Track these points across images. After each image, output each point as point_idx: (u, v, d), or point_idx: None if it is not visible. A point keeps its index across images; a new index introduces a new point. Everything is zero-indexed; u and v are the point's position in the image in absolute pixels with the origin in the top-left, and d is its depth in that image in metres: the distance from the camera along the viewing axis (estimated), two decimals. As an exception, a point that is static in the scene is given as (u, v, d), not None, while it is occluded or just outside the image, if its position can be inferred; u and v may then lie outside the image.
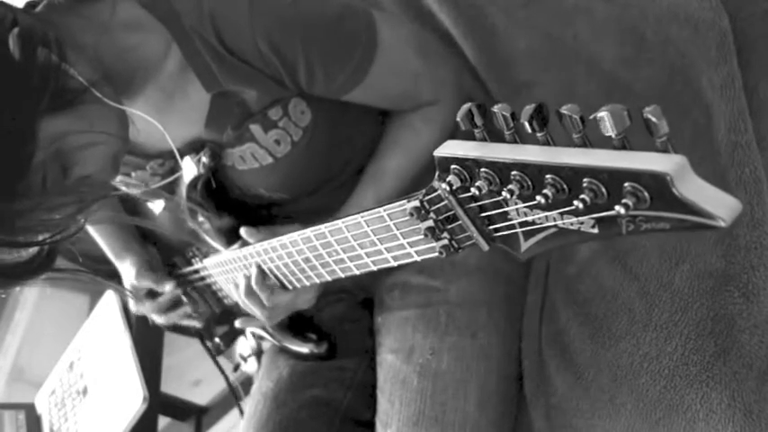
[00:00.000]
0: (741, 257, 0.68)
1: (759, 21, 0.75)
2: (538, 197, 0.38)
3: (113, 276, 0.95)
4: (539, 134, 0.38)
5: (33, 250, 0.57)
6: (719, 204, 0.33)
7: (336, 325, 0.94)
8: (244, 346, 1.04)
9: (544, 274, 0.86)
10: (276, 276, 0.74)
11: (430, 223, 0.50)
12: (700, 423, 0.66)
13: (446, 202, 0.47)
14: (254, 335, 1.00)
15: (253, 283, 0.74)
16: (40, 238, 0.54)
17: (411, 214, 0.51)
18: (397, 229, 0.54)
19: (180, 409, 1.52)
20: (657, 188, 0.33)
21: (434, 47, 0.83)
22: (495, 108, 0.39)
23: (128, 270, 0.93)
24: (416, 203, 0.50)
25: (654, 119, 0.33)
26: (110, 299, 1.26)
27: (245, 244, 0.75)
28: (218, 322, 1.01)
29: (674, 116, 0.75)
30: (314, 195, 0.81)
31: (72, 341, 1.33)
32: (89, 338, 1.28)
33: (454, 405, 0.76)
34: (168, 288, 0.92)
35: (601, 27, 0.81)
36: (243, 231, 0.75)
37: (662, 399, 0.69)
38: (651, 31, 0.78)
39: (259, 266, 0.74)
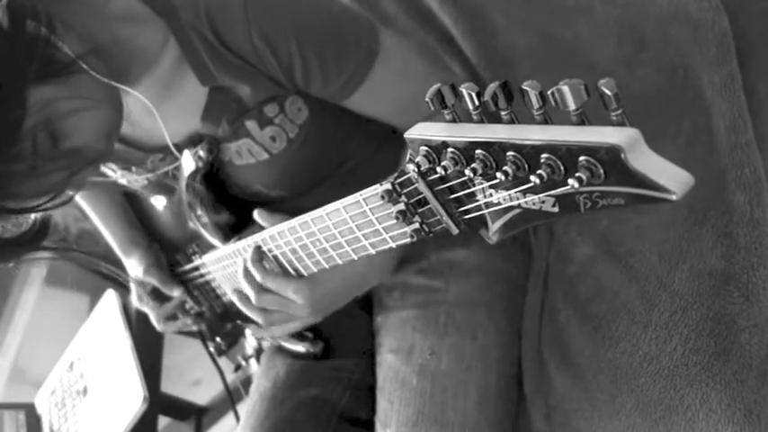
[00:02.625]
0: (741, 257, 0.68)
1: (759, 21, 0.75)
2: (498, 174, 0.39)
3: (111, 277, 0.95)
4: (503, 112, 0.38)
5: (26, 224, 0.58)
6: (671, 177, 0.33)
7: (334, 325, 0.94)
8: (245, 346, 1.04)
9: (544, 274, 0.86)
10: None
11: (401, 207, 0.51)
12: (700, 423, 0.66)
13: (416, 184, 0.48)
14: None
15: (249, 263, 0.73)
16: (32, 204, 0.54)
17: (383, 197, 0.52)
18: (372, 214, 0.55)
19: (180, 409, 1.52)
20: (611, 162, 0.34)
21: (439, 58, 0.83)
22: (462, 87, 0.39)
23: (135, 266, 0.94)
24: (388, 186, 0.51)
25: (607, 91, 0.33)
26: (110, 299, 1.26)
27: (242, 239, 0.75)
28: (220, 321, 1.01)
29: (674, 116, 0.76)
30: (312, 194, 0.81)
31: (72, 341, 1.33)
32: (89, 338, 1.28)
33: (454, 405, 0.76)
34: (176, 293, 0.92)
35: (601, 27, 0.81)
36: (256, 214, 0.73)
37: (662, 399, 0.69)
38: (651, 31, 0.78)
39: (258, 247, 0.72)
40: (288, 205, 0.82)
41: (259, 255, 0.72)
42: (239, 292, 0.76)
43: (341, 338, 0.92)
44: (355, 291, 0.77)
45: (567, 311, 0.80)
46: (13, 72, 0.53)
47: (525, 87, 0.36)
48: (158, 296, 0.96)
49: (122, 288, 1.17)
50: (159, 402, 1.18)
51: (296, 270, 0.71)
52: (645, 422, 0.70)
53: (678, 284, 0.71)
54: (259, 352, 1.01)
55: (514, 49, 0.86)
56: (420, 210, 0.50)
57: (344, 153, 0.81)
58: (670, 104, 0.76)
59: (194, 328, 1.00)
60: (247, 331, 1.01)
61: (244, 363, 1.05)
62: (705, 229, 0.71)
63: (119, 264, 0.98)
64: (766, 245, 0.68)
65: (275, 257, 0.72)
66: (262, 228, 0.73)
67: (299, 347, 0.90)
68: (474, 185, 0.43)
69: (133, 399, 1.09)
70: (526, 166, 0.38)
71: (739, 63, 0.73)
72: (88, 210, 0.98)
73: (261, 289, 0.73)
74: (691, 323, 0.69)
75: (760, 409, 0.64)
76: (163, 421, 1.42)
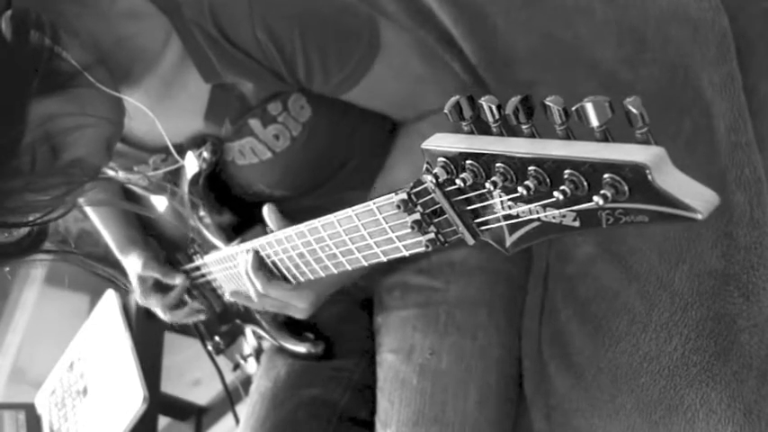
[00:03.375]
0: (741, 257, 0.68)
1: (759, 21, 0.75)
2: (520, 189, 0.38)
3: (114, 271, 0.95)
4: (524, 126, 0.38)
5: (23, 230, 0.57)
6: (697, 197, 0.33)
7: (334, 325, 0.94)
8: (244, 345, 1.04)
9: (544, 274, 0.86)
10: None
11: (417, 216, 0.51)
12: (700, 423, 0.66)
13: (433, 195, 0.48)
14: (254, 333, 1.00)
15: (249, 268, 0.74)
16: (30, 218, 0.54)
17: (398, 207, 0.51)
18: (386, 223, 0.54)
19: (180, 409, 1.52)
20: (636, 180, 0.33)
21: (436, 53, 0.83)
22: (482, 100, 0.39)
23: (133, 263, 0.94)
24: (404, 196, 0.50)
25: (633, 110, 0.33)
26: (110, 299, 1.26)
27: (244, 240, 0.75)
28: (219, 321, 1.01)
29: (674, 116, 0.76)
30: (314, 194, 0.81)
31: (72, 341, 1.33)
32: (89, 338, 1.28)
33: (454, 405, 0.76)
34: (178, 281, 0.92)
35: (601, 27, 0.81)
36: (266, 209, 0.72)
37: (662, 399, 0.69)
38: (651, 31, 0.78)
39: (256, 252, 0.73)
40: (290, 205, 0.82)
41: (258, 262, 0.73)
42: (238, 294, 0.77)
43: (341, 338, 0.92)
44: (341, 284, 0.79)
45: (567, 311, 0.80)
46: (14, 86, 0.52)
47: (548, 103, 0.36)
48: (161, 288, 0.96)
49: (121, 289, 1.17)
50: (159, 402, 1.18)
51: (294, 277, 0.72)
52: (645, 422, 0.70)
53: (678, 284, 0.71)
54: (258, 351, 1.01)
55: (515, 50, 0.86)
56: (436, 220, 0.50)
57: (347, 152, 0.81)
58: (670, 104, 0.76)
59: (201, 317, 0.99)
60: (247, 330, 1.01)
61: (242, 362, 1.05)
62: (705, 228, 0.71)
63: (119, 265, 0.98)
64: (766, 245, 0.68)
65: (274, 263, 0.72)
66: (264, 230, 0.73)
67: (300, 348, 0.90)
68: (492, 198, 0.43)
69: (133, 399, 1.09)
70: (548, 180, 0.37)
71: (739, 63, 0.73)
72: (87, 207, 0.98)
73: (262, 294, 0.74)
74: (691, 323, 0.69)
75: (760, 409, 0.64)
76: (163, 421, 1.42)
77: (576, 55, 0.82)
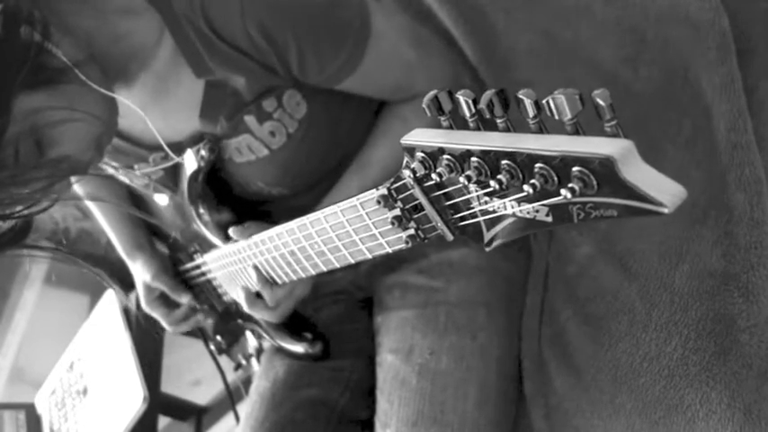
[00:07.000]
0: (741, 257, 0.68)
1: (759, 21, 0.75)
2: (492, 183, 0.39)
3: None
4: (499, 120, 0.38)
5: (6, 223, 0.58)
6: (664, 190, 0.33)
7: (334, 325, 0.94)
8: (246, 345, 1.04)
9: (544, 274, 0.86)
10: (266, 271, 0.74)
11: (397, 212, 0.51)
12: (700, 423, 0.66)
13: (412, 190, 0.48)
14: (253, 333, 1.00)
15: (255, 284, 0.75)
16: (12, 211, 0.54)
17: (378, 202, 0.52)
18: (369, 219, 0.55)
19: (180, 409, 1.52)
20: (603, 173, 0.34)
21: (429, 39, 0.83)
22: (459, 94, 0.39)
23: (140, 271, 0.93)
24: (384, 191, 0.51)
25: (601, 102, 0.33)
26: (110, 299, 1.26)
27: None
28: (221, 320, 1.01)
29: (674, 116, 0.76)
30: (312, 192, 0.81)
31: (72, 341, 1.33)
32: (89, 338, 1.28)
33: (453, 405, 0.76)
34: (185, 300, 0.92)
35: (601, 27, 0.81)
36: (231, 231, 0.75)
37: (662, 399, 0.69)
38: (651, 31, 0.78)
39: (256, 268, 0.74)
40: (289, 203, 0.82)
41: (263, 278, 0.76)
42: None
43: (341, 339, 0.92)
44: None
45: (567, 311, 0.80)
46: (0, 80, 0.52)
47: (520, 96, 0.36)
48: (166, 300, 0.96)
49: (120, 288, 1.17)
50: (159, 402, 1.18)
51: (279, 277, 0.73)
52: (645, 422, 0.70)
53: (678, 284, 0.71)
54: (260, 351, 1.01)
55: (515, 50, 0.86)
56: (416, 215, 0.51)
57: (345, 151, 0.81)
58: (670, 105, 0.76)
59: (206, 322, 0.99)
60: (247, 330, 1.01)
61: (244, 362, 1.05)
62: (705, 228, 0.71)
63: (118, 265, 0.98)
64: (766, 245, 0.68)
65: (267, 261, 0.73)
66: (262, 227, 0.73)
67: (298, 348, 0.90)
68: (469, 193, 0.43)
69: (133, 399, 1.09)
70: (520, 174, 0.38)
71: (739, 63, 0.73)
72: (93, 208, 0.98)
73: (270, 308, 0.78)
74: (691, 323, 0.69)
75: (760, 409, 0.64)
76: (163, 421, 1.42)
77: (575, 55, 0.83)
